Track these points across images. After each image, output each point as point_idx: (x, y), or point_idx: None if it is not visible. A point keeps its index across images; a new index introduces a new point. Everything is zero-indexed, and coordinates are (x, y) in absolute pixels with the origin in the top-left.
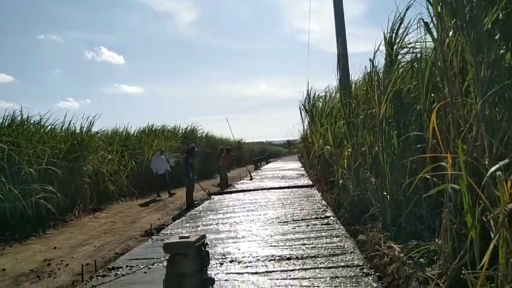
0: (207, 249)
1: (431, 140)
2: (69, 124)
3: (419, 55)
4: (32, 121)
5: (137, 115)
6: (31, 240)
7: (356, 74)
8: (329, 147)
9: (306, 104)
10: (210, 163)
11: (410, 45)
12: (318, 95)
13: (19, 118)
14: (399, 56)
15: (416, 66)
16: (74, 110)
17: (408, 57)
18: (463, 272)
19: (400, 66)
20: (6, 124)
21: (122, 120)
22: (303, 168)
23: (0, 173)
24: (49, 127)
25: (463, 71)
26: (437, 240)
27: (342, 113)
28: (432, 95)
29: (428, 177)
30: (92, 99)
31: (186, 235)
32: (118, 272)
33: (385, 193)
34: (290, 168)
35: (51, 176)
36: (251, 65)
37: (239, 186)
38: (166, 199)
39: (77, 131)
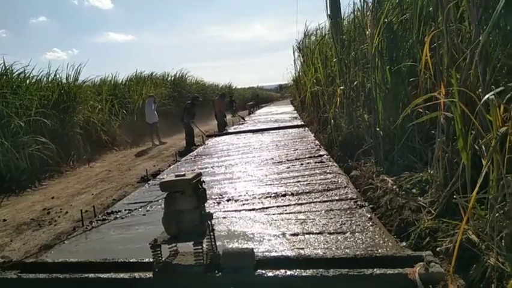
0: (203, 186)
1: (423, 71)
2: (55, 75)
3: None
4: (15, 72)
5: (126, 63)
6: (28, 192)
7: (347, 9)
8: (320, 86)
9: (300, 44)
10: (201, 110)
11: None
12: (310, 33)
13: (1, 69)
14: None
15: None
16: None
17: None
18: (455, 197)
19: None
20: None
21: (111, 69)
22: (295, 112)
23: None
24: (34, 78)
25: None
26: (429, 170)
27: (334, 50)
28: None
29: (421, 110)
30: (79, 49)
31: (182, 173)
32: (117, 216)
33: (378, 129)
34: (283, 111)
35: (42, 128)
36: (242, 7)
37: (232, 130)
38: (160, 146)
39: (64, 81)
